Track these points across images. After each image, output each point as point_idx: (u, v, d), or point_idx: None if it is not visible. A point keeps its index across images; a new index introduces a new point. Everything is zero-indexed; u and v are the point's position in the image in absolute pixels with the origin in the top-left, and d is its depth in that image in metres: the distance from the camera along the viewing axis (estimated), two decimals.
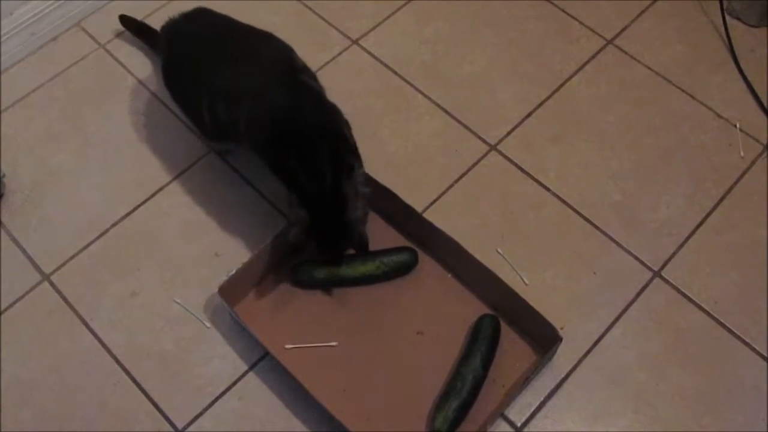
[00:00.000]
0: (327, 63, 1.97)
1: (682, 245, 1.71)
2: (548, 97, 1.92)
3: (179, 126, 1.88)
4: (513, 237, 1.72)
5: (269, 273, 1.65)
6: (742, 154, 1.83)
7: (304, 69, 1.64)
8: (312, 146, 1.48)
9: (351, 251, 1.59)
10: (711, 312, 1.62)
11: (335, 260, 1.60)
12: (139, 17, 2.03)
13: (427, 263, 1.66)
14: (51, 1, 2.02)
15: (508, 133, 1.87)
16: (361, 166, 1.57)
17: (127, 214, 1.76)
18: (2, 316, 1.64)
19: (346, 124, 1.59)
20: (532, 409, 1.53)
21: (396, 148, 1.84)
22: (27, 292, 1.66)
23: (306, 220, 1.48)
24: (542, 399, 1.54)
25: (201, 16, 1.76)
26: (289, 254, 1.59)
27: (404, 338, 1.59)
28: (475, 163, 1.82)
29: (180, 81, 1.71)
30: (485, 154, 1.84)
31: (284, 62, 1.62)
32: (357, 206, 1.51)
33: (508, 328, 1.58)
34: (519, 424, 1.51)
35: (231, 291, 1.56)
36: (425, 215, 1.66)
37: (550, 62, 1.99)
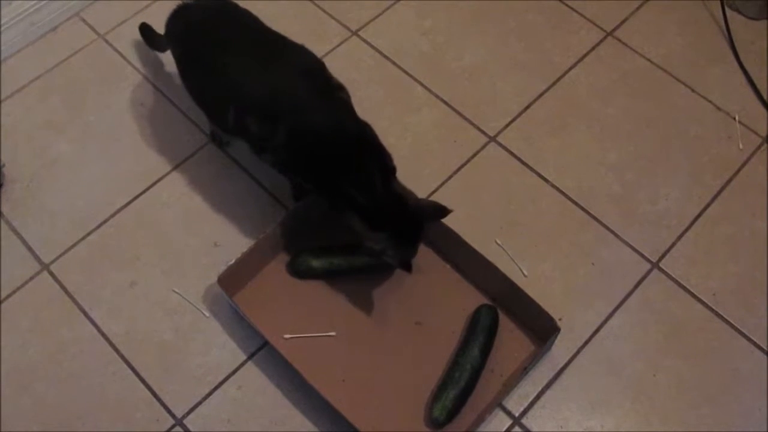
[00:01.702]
0: (326, 54, 1.97)
1: (680, 237, 1.71)
2: (547, 89, 1.92)
3: (179, 116, 1.88)
4: (512, 228, 1.72)
5: (268, 263, 1.65)
6: (741, 146, 1.83)
7: (340, 87, 1.57)
8: (365, 166, 1.48)
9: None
10: (709, 303, 1.63)
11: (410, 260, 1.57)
12: (137, 9, 2.03)
13: (426, 254, 1.66)
14: None
15: (508, 125, 1.87)
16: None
17: (127, 204, 1.76)
18: (2, 305, 1.64)
19: None
20: (530, 400, 1.53)
21: (395, 140, 1.84)
22: (26, 282, 1.66)
23: (389, 243, 1.47)
24: (540, 389, 1.54)
25: (216, 4, 1.67)
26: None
27: (403, 328, 1.59)
28: (474, 155, 1.82)
29: (199, 77, 1.63)
30: (484, 146, 1.84)
31: (321, 79, 1.56)
32: (411, 194, 1.55)
33: (506, 318, 1.59)
34: (517, 414, 1.52)
35: (230, 281, 1.56)
36: None
37: (549, 54, 1.98)
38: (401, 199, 1.49)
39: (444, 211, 1.51)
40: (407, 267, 1.54)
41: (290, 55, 1.58)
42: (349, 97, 1.57)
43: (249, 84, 1.53)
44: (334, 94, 1.55)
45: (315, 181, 1.54)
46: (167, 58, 1.96)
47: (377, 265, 1.62)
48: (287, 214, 1.64)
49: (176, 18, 1.68)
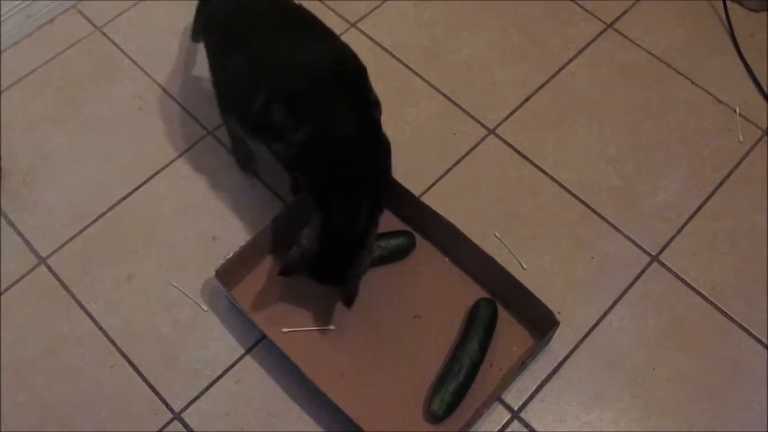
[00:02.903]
0: None
1: (680, 230, 1.70)
2: (547, 81, 1.92)
3: (176, 109, 1.87)
4: (511, 221, 1.71)
5: (267, 256, 1.64)
6: (741, 139, 1.83)
7: (376, 103, 1.54)
8: (360, 193, 1.47)
9: None
10: (708, 297, 1.62)
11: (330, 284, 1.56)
12: (134, 1, 2.02)
13: (424, 247, 1.66)
14: None
15: (507, 117, 1.86)
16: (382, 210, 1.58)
17: (124, 198, 1.75)
18: None
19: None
20: (529, 393, 1.53)
21: (394, 132, 1.82)
22: (24, 276, 1.66)
23: (312, 251, 1.47)
24: (539, 383, 1.54)
25: None
26: (279, 272, 1.52)
27: (401, 322, 1.59)
28: (474, 148, 1.82)
29: (235, 61, 1.56)
30: (483, 138, 1.83)
31: (360, 91, 1.53)
32: (366, 261, 1.50)
33: (505, 312, 1.58)
34: (515, 408, 1.51)
35: (228, 274, 1.56)
36: (423, 199, 1.67)
37: (549, 46, 1.98)
38: (359, 253, 1.48)
39: (348, 302, 1.52)
40: (348, 302, 1.53)
41: (335, 52, 1.55)
42: (380, 113, 1.55)
43: (288, 73, 1.49)
44: (368, 113, 1.52)
45: (311, 182, 1.51)
46: (165, 51, 1.96)
47: (375, 259, 1.61)
48: (285, 207, 1.64)
49: (222, 4, 1.65)
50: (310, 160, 1.49)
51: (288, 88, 1.48)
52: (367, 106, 1.53)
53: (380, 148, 1.53)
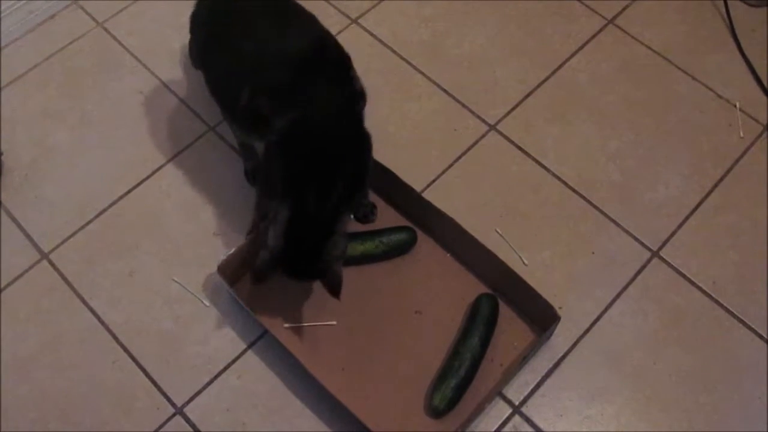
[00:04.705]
0: None
1: (680, 225, 1.71)
2: (548, 77, 1.92)
3: (178, 105, 1.88)
4: (512, 217, 1.72)
5: None
6: (741, 134, 1.83)
7: (361, 94, 1.54)
8: (333, 179, 1.45)
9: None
10: (709, 292, 1.63)
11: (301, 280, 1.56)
12: None
13: (426, 243, 1.66)
14: None
15: (508, 113, 1.86)
16: (366, 195, 1.61)
17: (126, 193, 1.76)
18: (1, 294, 1.64)
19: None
20: (530, 388, 1.53)
21: (395, 128, 1.84)
22: (26, 271, 1.66)
23: (279, 248, 1.44)
24: (540, 378, 1.54)
25: None
26: (252, 281, 1.50)
27: (403, 317, 1.59)
28: (475, 143, 1.82)
29: (220, 59, 1.59)
30: (484, 134, 1.83)
31: (341, 81, 1.52)
32: (340, 244, 1.47)
33: (506, 307, 1.59)
34: (517, 403, 1.52)
35: (230, 270, 1.56)
36: (424, 195, 1.67)
37: (550, 42, 1.98)
38: (330, 236, 1.45)
39: (334, 291, 1.48)
40: (333, 291, 1.49)
41: (316, 40, 1.54)
42: (364, 104, 1.54)
43: (269, 65, 1.49)
44: (348, 102, 1.51)
45: (285, 169, 1.49)
46: (166, 47, 1.96)
47: (377, 254, 1.62)
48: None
49: (200, 4, 1.68)
50: (287, 146, 1.48)
51: (270, 79, 1.49)
52: (349, 96, 1.52)
53: (358, 138, 1.52)
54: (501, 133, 1.83)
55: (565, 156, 1.80)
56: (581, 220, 1.72)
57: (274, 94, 1.48)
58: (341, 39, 1.94)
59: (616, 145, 1.81)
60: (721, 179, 1.76)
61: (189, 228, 1.71)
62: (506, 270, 1.55)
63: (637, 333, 1.59)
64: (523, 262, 1.66)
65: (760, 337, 1.58)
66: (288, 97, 1.47)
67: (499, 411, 1.51)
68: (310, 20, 1.59)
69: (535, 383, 1.54)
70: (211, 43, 1.62)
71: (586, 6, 2.03)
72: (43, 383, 1.55)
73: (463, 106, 1.87)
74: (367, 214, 1.68)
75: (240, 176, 1.76)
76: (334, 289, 1.48)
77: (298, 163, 1.46)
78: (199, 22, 1.69)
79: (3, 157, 1.78)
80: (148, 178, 1.78)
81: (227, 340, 1.58)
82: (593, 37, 1.98)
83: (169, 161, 1.80)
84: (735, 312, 1.60)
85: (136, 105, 1.88)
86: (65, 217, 1.72)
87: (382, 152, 1.65)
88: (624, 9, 2.03)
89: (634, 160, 1.79)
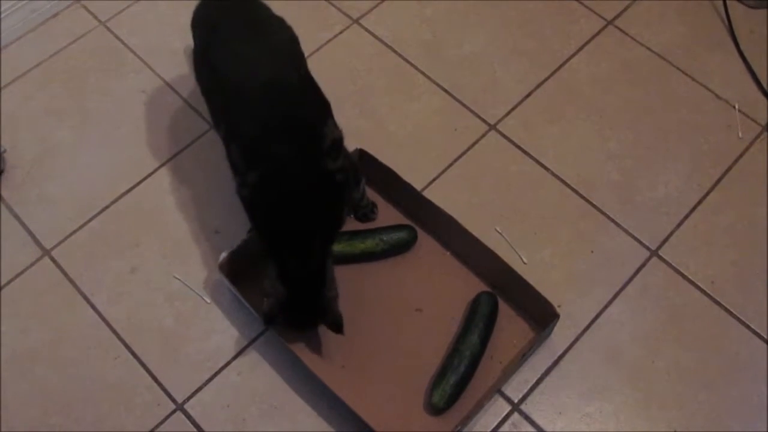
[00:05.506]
0: (327, 42, 1.97)
1: (679, 225, 1.71)
2: (548, 78, 1.92)
3: (179, 103, 1.88)
4: (511, 216, 1.72)
5: None
6: (740, 134, 1.83)
7: (335, 141, 1.46)
8: (308, 239, 1.43)
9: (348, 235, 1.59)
10: (708, 291, 1.63)
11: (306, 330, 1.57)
12: None
13: (426, 241, 1.67)
14: None
15: (508, 113, 1.87)
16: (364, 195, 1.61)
17: (128, 191, 1.76)
18: (3, 290, 1.64)
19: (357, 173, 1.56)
20: (529, 386, 1.54)
21: (396, 127, 1.84)
22: (28, 267, 1.67)
23: (283, 294, 1.44)
24: (539, 376, 1.55)
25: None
26: (263, 324, 1.51)
27: (403, 315, 1.59)
28: (475, 143, 1.83)
29: (204, 72, 1.57)
30: (484, 134, 1.84)
31: (314, 137, 1.43)
32: (334, 286, 1.48)
33: (505, 305, 1.59)
34: (516, 400, 1.52)
35: (231, 267, 1.57)
36: (424, 194, 1.67)
37: (550, 42, 1.99)
38: (323, 282, 1.45)
39: (337, 330, 1.48)
40: (336, 330, 1.49)
41: (293, 92, 1.48)
42: (338, 153, 1.47)
43: (242, 117, 1.45)
44: (323, 164, 1.44)
45: (259, 228, 1.49)
46: (168, 45, 1.97)
47: (377, 252, 1.63)
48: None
49: (197, 11, 1.65)
50: (258, 204, 1.45)
51: (242, 129, 1.44)
52: (320, 152, 1.44)
53: (332, 193, 1.46)
54: (501, 133, 1.84)
55: (564, 155, 1.80)
56: (581, 219, 1.72)
57: (245, 147, 1.44)
58: (342, 39, 1.98)
59: (616, 145, 1.82)
60: (720, 179, 1.77)
61: (190, 225, 1.72)
62: (506, 268, 1.56)
63: (636, 331, 1.59)
64: (523, 261, 1.66)
65: (759, 336, 1.59)
66: (257, 152, 1.43)
67: (498, 408, 1.52)
68: (292, 55, 1.54)
69: (535, 381, 1.54)
70: (199, 55, 1.59)
71: (586, 7, 2.04)
72: (45, 379, 1.55)
73: (464, 105, 1.88)
74: (367, 213, 1.68)
75: None
76: (337, 328, 1.48)
77: (271, 222, 1.45)
78: (195, 22, 1.65)
79: (5, 155, 1.79)
80: (150, 175, 1.78)
81: (228, 337, 1.59)
82: (593, 37, 1.99)
83: (170, 159, 1.80)
84: (733, 311, 1.61)
85: (138, 103, 1.89)
86: (67, 215, 1.73)
87: (382, 151, 1.66)
88: (624, 10, 2.04)
89: (634, 159, 1.80)
